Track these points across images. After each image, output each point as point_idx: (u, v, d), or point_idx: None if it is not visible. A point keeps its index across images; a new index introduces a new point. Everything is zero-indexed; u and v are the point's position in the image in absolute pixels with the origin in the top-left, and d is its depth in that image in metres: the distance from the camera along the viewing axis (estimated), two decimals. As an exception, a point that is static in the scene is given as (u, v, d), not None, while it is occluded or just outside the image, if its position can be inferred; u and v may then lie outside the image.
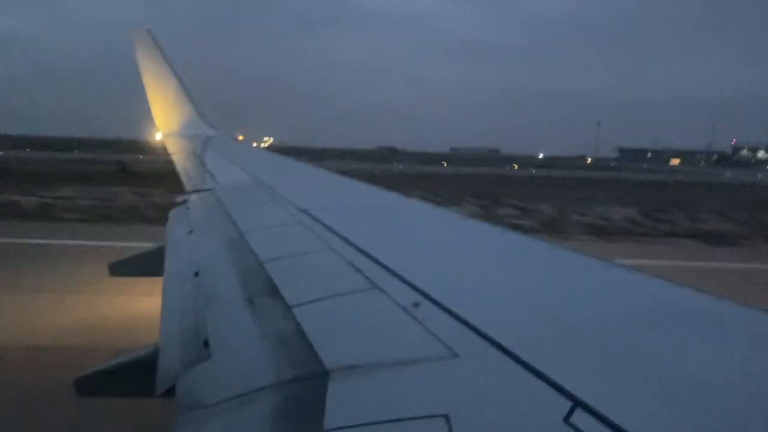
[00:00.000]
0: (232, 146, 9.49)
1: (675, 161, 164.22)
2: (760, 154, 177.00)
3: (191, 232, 3.37)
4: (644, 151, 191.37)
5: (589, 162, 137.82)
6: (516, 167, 73.55)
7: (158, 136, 10.41)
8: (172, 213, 4.21)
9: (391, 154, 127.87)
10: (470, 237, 3.00)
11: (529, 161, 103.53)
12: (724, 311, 1.70)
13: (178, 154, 7.80)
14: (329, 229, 2.78)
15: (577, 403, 1.08)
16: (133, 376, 1.91)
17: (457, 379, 1.24)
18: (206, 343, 1.69)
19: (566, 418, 1.04)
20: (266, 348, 1.56)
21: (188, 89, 10.60)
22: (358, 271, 2.06)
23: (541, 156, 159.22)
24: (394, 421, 1.08)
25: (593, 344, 1.41)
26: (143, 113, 10.57)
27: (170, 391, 1.53)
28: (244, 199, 4.19)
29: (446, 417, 1.06)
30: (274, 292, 1.95)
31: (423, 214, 3.72)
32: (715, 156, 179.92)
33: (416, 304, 1.67)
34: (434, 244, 2.80)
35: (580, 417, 1.04)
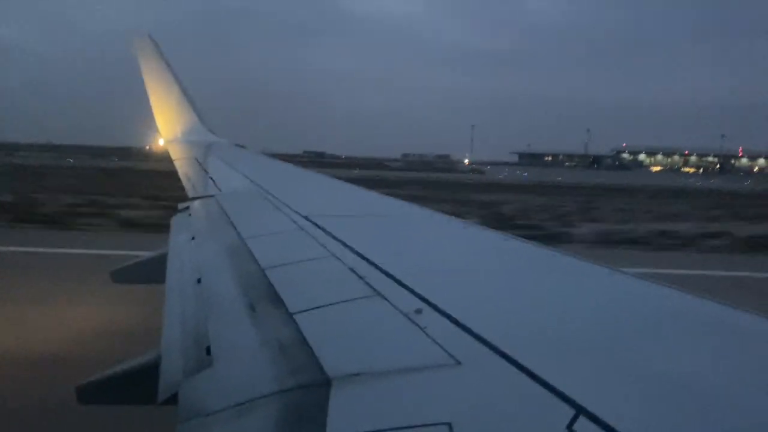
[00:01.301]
0: (234, 153, 9.50)
1: (568, 163, 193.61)
2: (641, 156, 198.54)
3: (193, 238, 3.38)
4: (543, 156, 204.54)
5: (467, 164, 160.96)
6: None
7: (161, 143, 10.42)
8: (175, 220, 4.21)
9: (318, 159, 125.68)
10: (473, 244, 3.00)
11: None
12: (730, 318, 1.70)
13: (181, 160, 7.82)
14: (331, 235, 2.78)
15: (580, 411, 1.07)
16: (135, 384, 1.90)
17: (460, 386, 1.24)
18: (208, 351, 1.68)
19: (569, 426, 1.03)
20: (268, 355, 1.55)
21: (190, 95, 10.61)
22: (360, 278, 2.05)
23: (467, 162, 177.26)
24: (397, 429, 1.07)
25: (597, 352, 1.41)
26: (142, 119, 10.55)
27: (172, 399, 1.53)
28: (245, 206, 4.19)
29: (449, 425, 1.06)
30: (276, 299, 1.95)
31: (425, 221, 3.72)
32: (591, 158, 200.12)
33: (418, 311, 1.67)
34: (437, 250, 2.80)
35: (583, 425, 1.03)
